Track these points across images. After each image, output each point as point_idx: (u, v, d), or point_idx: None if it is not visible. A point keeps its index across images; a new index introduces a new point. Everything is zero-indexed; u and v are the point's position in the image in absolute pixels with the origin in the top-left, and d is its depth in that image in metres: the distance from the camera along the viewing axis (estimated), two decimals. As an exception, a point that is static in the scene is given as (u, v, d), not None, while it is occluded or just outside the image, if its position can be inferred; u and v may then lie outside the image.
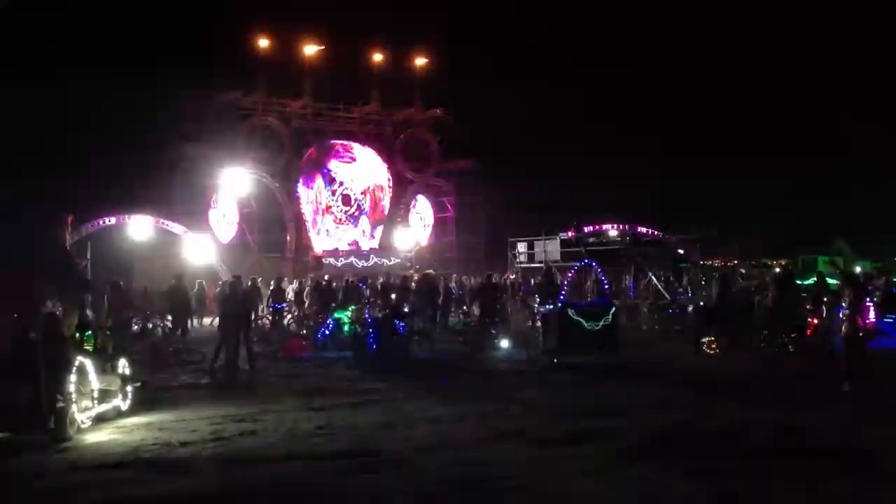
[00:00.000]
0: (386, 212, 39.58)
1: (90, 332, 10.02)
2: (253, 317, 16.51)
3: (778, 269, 23.90)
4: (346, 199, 38.84)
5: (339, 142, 38.76)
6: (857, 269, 22.91)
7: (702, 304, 18.11)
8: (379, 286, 22.45)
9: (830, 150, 40.21)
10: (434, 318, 19.49)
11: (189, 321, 19.74)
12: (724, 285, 17.05)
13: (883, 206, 34.74)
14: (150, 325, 19.38)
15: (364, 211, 39.18)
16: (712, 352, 14.84)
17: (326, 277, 23.84)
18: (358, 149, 39.13)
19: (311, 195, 37.62)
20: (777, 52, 43.95)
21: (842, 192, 38.34)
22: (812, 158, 40.55)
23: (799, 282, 19.72)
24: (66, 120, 34.00)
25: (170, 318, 19.67)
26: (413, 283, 20.90)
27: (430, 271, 23.49)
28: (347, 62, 37.88)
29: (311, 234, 37.45)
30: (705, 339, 15.25)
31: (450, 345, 17.32)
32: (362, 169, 39.22)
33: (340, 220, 38.65)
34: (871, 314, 11.15)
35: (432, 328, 18.33)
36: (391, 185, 39.62)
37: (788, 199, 39.05)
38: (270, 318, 20.22)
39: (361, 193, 39.18)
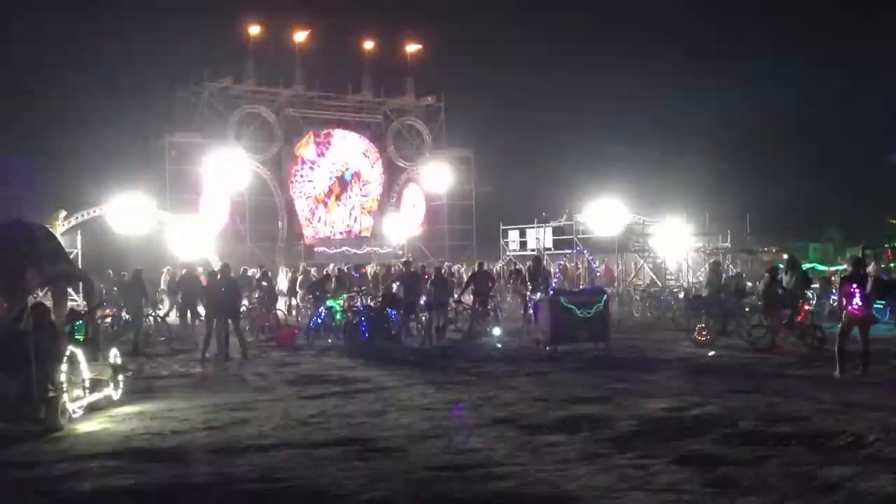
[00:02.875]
0: (376, 200, 39.49)
1: (81, 321, 9.99)
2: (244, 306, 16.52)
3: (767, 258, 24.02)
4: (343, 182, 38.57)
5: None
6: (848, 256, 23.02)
7: (693, 291, 18.17)
8: (375, 273, 22.30)
9: (822, 139, 40.31)
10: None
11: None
12: (715, 273, 17.12)
13: (874, 194, 34.89)
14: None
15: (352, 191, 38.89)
16: (702, 339, 14.90)
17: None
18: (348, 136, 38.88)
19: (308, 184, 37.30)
20: (769, 39, 43.94)
21: (833, 181, 38.47)
22: (804, 148, 40.66)
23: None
24: (56, 109, 33.78)
25: (162, 308, 19.63)
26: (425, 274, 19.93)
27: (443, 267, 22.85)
28: (339, 50, 37.77)
29: (316, 216, 37.23)
30: (696, 327, 15.31)
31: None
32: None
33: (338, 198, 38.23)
34: (857, 300, 11.16)
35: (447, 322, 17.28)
36: (382, 174, 39.53)
37: (779, 186, 39.18)
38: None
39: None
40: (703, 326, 15.13)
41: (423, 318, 16.79)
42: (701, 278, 20.70)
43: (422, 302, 17.08)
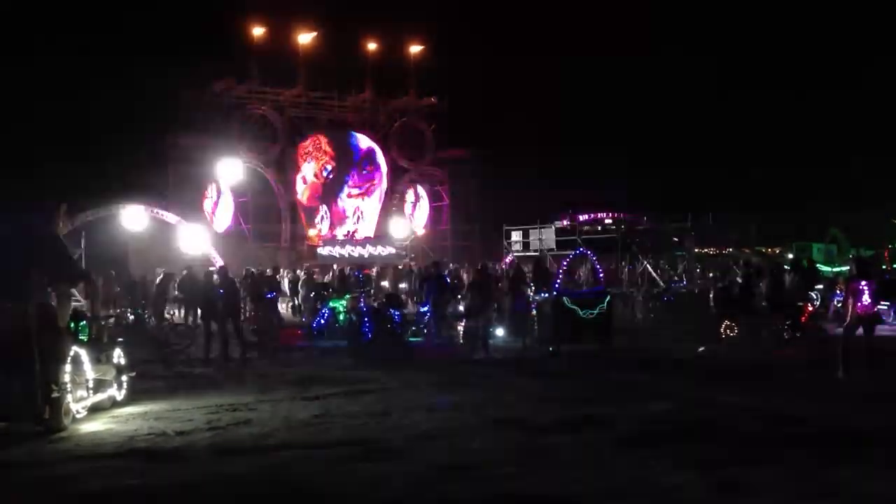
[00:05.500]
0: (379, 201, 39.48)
1: (84, 321, 9.99)
2: (244, 306, 16.54)
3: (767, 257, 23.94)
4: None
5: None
6: (851, 256, 22.95)
7: (721, 288, 17.88)
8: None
9: (826, 139, 40.24)
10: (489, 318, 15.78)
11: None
12: (748, 274, 16.92)
13: (878, 195, 34.83)
14: (146, 315, 19.41)
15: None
16: (728, 336, 14.81)
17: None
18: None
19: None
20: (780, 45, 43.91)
21: (837, 182, 38.41)
22: (807, 147, 40.60)
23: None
24: (59, 109, 33.85)
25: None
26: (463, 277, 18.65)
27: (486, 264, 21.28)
28: (342, 50, 37.76)
29: (319, 217, 37.20)
30: (724, 324, 15.18)
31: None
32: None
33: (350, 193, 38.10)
34: (866, 297, 11.14)
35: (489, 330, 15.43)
36: (385, 174, 39.55)
37: (783, 186, 39.13)
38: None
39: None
40: (732, 325, 15.04)
41: (461, 328, 15.46)
42: (728, 277, 20.36)
43: (461, 308, 15.78)
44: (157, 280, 21.16)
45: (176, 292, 21.16)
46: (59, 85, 34.05)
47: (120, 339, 10.72)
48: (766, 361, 12.92)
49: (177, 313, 21.44)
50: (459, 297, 17.25)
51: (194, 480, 6.66)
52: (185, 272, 19.48)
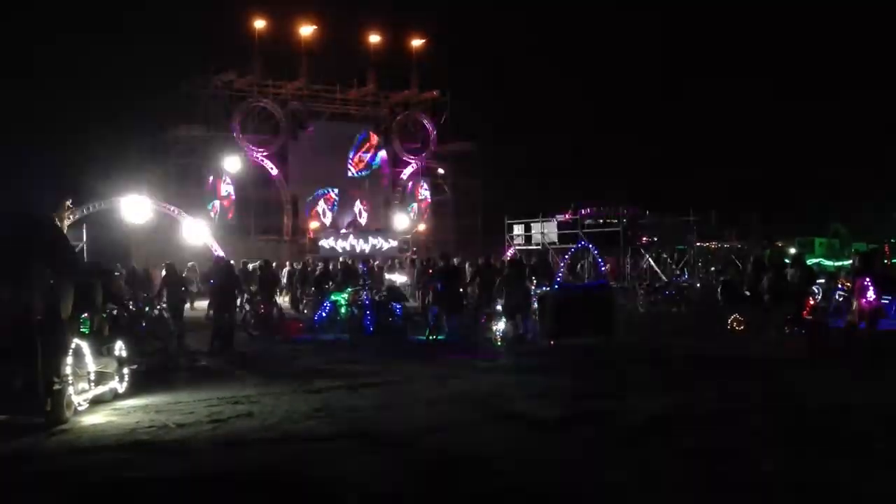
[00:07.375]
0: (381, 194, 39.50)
1: (86, 314, 10.00)
2: (243, 298, 16.57)
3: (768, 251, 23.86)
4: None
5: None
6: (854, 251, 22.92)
7: (726, 282, 17.84)
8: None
9: (829, 136, 40.18)
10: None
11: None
12: (758, 267, 16.87)
13: (879, 188, 34.79)
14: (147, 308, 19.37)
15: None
16: (739, 330, 14.81)
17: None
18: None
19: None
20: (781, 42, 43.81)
21: (839, 177, 38.37)
22: (810, 144, 40.55)
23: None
24: (62, 102, 33.86)
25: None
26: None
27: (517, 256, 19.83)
28: (344, 43, 37.71)
29: (320, 210, 37.29)
30: (731, 318, 15.17)
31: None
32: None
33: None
34: (871, 294, 11.14)
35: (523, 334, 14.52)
36: (387, 167, 39.54)
37: (786, 183, 39.08)
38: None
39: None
40: (740, 319, 15.02)
41: (497, 327, 14.62)
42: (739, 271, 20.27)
43: (498, 308, 14.77)
44: (163, 273, 21.23)
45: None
46: (61, 77, 34.05)
47: (121, 332, 10.73)
48: (768, 355, 12.90)
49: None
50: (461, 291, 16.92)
51: (195, 473, 6.67)
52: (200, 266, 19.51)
